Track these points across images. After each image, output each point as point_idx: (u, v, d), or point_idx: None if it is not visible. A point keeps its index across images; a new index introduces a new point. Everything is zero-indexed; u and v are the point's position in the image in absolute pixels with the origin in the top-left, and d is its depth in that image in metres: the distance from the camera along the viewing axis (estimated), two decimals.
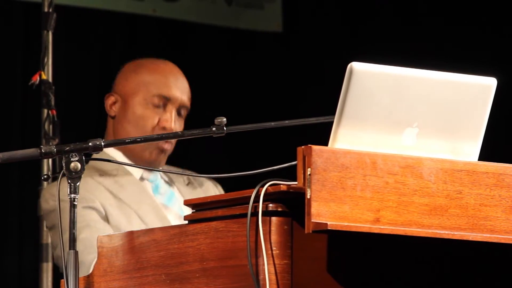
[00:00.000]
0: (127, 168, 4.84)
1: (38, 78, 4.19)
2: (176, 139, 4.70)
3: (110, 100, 4.56)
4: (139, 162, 4.65)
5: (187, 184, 4.75)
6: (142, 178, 4.72)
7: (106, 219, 4.48)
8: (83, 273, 3.44)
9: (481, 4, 7.25)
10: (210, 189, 4.81)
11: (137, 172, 4.76)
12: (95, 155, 3.61)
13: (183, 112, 4.57)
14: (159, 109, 4.55)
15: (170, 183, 4.80)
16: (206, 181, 4.87)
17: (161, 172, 4.85)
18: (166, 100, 4.54)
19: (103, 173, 4.66)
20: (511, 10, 7.47)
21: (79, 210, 3.86)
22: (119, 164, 4.64)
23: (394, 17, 6.96)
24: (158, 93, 4.54)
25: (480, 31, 7.24)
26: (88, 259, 3.91)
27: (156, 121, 4.55)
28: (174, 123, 4.52)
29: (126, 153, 4.68)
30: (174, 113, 4.51)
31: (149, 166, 4.66)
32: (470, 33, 7.11)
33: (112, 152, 4.68)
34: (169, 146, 4.59)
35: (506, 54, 6.83)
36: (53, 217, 4.31)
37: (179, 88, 4.66)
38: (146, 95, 4.54)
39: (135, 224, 4.28)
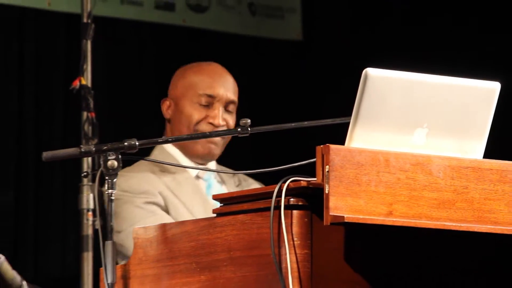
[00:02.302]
0: (181, 162, 4.87)
1: (78, 83, 4.20)
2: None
3: (165, 104, 4.62)
4: (194, 156, 4.67)
5: (237, 186, 4.77)
6: (197, 177, 4.74)
7: (166, 211, 4.55)
8: None
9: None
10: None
11: (193, 170, 4.81)
12: (150, 156, 4.27)
13: (232, 108, 4.59)
14: (207, 108, 4.58)
15: (221, 183, 4.82)
16: (254, 183, 4.87)
17: (214, 172, 4.90)
18: (212, 99, 4.55)
19: (163, 170, 4.71)
20: None
21: (143, 204, 4.38)
22: (175, 157, 4.77)
23: (404, 26, 6.96)
24: (203, 93, 4.56)
25: (486, 38, 7.17)
26: None
27: (202, 118, 4.59)
28: (222, 119, 4.54)
29: (182, 150, 4.71)
30: (221, 109, 4.52)
31: (204, 158, 4.66)
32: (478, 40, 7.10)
33: (172, 150, 4.74)
34: (219, 138, 4.60)
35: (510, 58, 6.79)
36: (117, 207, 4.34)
37: (224, 86, 4.67)
38: (193, 96, 4.57)
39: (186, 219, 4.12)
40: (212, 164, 4.81)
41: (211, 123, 4.48)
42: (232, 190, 4.63)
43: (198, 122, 4.50)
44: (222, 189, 4.70)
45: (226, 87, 4.62)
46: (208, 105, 4.54)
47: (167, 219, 4.49)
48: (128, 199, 4.50)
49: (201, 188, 4.68)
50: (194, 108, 4.59)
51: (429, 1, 7.42)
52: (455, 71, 3.15)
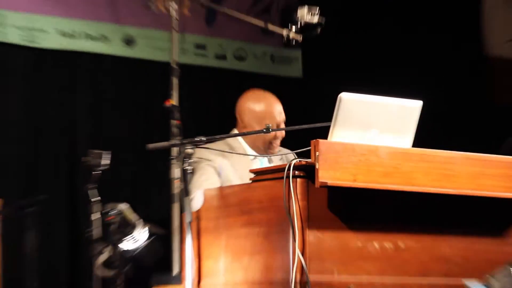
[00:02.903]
0: (246, 150, 5.22)
1: (169, 104, 4.71)
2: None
3: (237, 121, 5.06)
4: (259, 148, 5.09)
5: (280, 159, 5.18)
6: (255, 158, 5.15)
7: (219, 175, 4.99)
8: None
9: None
10: None
11: (252, 153, 5.18)
12: (227, 142, 4.84)
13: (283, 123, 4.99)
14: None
15: (270, 161, 5.19)
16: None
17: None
18: (275, 125, 4.94)
19: (231, 148, 5.06)
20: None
21: (205, 165, 4.97)
22: (243, 146, 5.13)
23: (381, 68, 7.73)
24: (269, 123, 4.61)
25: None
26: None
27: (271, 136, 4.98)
28: (282, 132, 4.98)
29: (250, 144, 5.16)
30: (281, 126, 4.98)
31: (265, 151, 5.08)
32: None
33: (242, 141, 5.18)
34: (277, 141, 5.04)
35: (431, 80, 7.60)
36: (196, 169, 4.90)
37: (280, 113, 5.07)
38: (260, 124, 4.89)
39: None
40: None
41: (277, 137, 5.06)
42: (268, 164, 5.20)
43: (270, 139, 5.05)
44: (269, 165, 5.15)
45: (280, 113, 5.07)
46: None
47: (216, 178, 5.00)
48: (200, 162, 4.95)
49: (253, 165, 4.99)
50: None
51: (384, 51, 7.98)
52: (397, 91, 4.02)
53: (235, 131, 5.02)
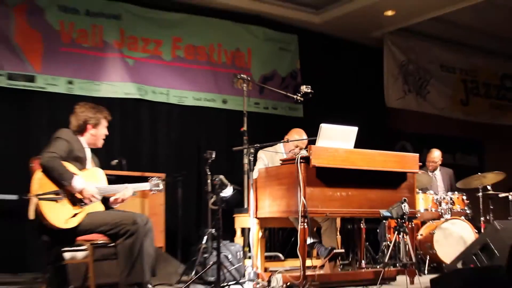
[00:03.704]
0: (283, 150, 6.96)
1: (243, 129, 6.25)
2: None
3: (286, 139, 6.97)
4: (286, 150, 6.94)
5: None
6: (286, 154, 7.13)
7: (266, 161, 6.87)
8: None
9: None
10: None
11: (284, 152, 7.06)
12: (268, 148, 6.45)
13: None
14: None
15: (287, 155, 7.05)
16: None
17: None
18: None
19: (274, 150, 6.91)
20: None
21: (259, 158, 6.73)
22: (281, 148, 6.91)
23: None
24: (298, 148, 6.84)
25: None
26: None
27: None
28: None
29: (285, 148, 7.03)
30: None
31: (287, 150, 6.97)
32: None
33: (281, 145, 6.98)
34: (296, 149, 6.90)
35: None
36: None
37: (304, 143, 6.82)
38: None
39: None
40: None
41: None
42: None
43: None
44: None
45: (304, 143, 6.88)
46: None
47: (265, 163, 6.79)
48: (259, 156, 6.79)
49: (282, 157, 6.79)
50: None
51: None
52: (345, 121, 5.93)
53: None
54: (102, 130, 5.16)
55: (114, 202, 5.17)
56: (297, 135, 7.00)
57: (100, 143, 5.20)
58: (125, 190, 5.12)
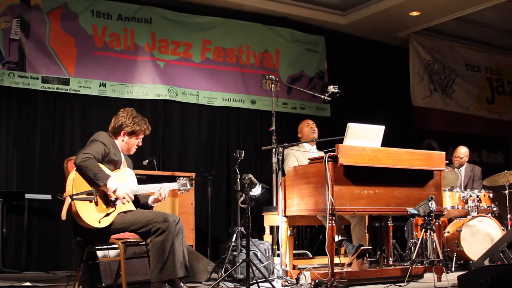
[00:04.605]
0: (307, 148, 6.97)
1: (271, 129, 6.43)
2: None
3: (300, 134, 7.22)
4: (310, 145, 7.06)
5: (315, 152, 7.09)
6: (311, 151, 7.05)
7: (297, 160, 6.81)
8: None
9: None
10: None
11: (309, 147, 7.07)
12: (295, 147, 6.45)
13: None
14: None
15: (317, 152, 7.06)
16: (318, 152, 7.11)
17: (314, 147, 7.14)
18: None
19: (301, 147, 6.96)
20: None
21: (290, 155, 6.76)
22: (306, 145, 6.89)
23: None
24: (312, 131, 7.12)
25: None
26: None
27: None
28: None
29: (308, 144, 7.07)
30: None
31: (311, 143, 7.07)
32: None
33: (306, 144, 7.08)
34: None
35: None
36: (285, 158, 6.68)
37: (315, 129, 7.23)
38: (308, 134, 7.18)
39: None
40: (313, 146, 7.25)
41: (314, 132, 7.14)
42: (317, 155, 6.79)
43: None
44: (317, 154, 6.97)
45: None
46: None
47: (294, 162, 6.81)
48: (288, 153, 6.83)
49: (311, 155, 6.81)
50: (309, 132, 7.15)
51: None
52: (373, 121, 5.88)
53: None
54: (134, 141, 5.12)
55: (154, 201, 5.16)
56: (307, 124, 7.27)
57: (132, 151, 5.19)
58: (162, 189, 5.09)
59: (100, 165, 4.79)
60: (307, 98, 10.01)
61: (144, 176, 6.71)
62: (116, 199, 4.82)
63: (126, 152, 5.19)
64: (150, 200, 5.17)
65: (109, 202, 4.78)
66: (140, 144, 5.23)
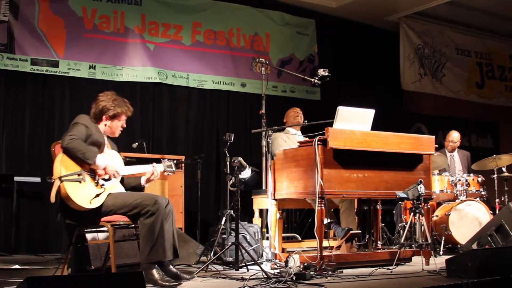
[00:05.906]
0: (292, 132, 7.01)
1: (261, 112, 6.38)
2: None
3: (286, 119, 7.29)
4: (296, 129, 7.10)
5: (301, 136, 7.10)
6: (297, 134, 7.09)
7: (284, 143, 6.82)
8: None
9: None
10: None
11: (295, 131, 7.12)
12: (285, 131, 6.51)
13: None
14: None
15: (300, 135, 7.13)
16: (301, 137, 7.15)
17: (299, 131, 7.18)
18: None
19: (287, 131, 7.01)
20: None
21: (278, 138, 6.72)
22: (291, 129, 6.98)
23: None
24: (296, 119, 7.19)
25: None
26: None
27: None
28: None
29: (294, 128, 7.12)
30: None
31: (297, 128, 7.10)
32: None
33: (291, 129, 7.11)
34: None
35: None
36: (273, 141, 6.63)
37: (300, 114, 7.30)
38: (294, 119, 7.24)
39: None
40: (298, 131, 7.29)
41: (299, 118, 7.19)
42: (303, 139, 6.80)
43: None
44: (302, 138, 6.99)
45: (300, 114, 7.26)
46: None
47: (283, 145, 6.80)
48: (276, 136, 6.82)
49: (298, 138, 6.85)
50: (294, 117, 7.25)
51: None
52: (362, 104, 5.82)
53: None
54: (117, 124, 5.09)
55: (147, 181, 5.17)
56: (293, 111, 7.33)
57: (117, 134, 5.15)
58: (154, 168, 5.11)
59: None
60: (297, 81, 9.98)
61: (134, 158, 6.68)
62: (105, 179, 4.81)
63: (111, 135, 5.15)
64: (143, 181, 5.17)
65: (98, 182, 4.74)
66: (125, 125, 5.18)
